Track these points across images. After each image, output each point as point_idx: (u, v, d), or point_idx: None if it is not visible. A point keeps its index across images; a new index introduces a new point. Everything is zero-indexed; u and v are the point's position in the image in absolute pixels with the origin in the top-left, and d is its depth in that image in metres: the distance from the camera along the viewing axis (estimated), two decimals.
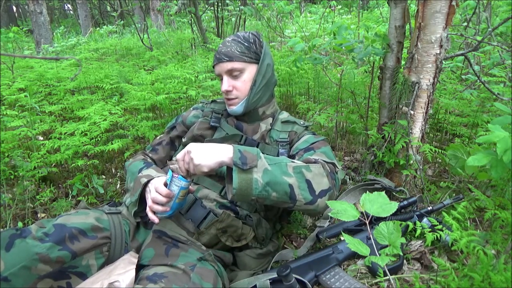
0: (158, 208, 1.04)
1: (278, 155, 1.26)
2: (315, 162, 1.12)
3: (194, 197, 1.19)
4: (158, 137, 1.46)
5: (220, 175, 1.23)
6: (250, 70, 1.23)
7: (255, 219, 1.19)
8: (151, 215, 1.05)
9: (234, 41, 1.22)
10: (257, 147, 1.25)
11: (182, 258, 1.03)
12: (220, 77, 1.26)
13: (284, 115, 1.37)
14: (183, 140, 1.36)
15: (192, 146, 0.99)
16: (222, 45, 1.23)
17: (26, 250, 0.88)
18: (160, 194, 1.03)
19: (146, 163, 1.25)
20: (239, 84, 1.23)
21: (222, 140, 1.25)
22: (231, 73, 1.22)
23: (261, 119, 1.32)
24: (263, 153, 1.20)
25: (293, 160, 1.09)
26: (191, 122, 1.38)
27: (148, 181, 1.12)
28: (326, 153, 1.20)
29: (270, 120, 1.33)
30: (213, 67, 1.27)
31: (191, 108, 1.45)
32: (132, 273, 0.98)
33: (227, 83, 1.22)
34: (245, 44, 1.22)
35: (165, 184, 1.05)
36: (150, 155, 1.39)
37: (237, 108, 1.26)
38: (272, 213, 1.28)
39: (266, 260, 1.24)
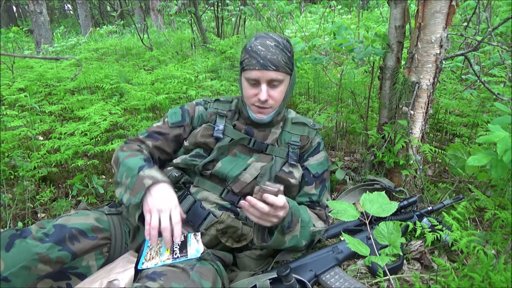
0: (167, 236, 0.97)
1: (287, 156, 1.26)
2: (325, 218, 1.30)
3: (194, 199, 1.19)
4: (155, 125, 1.31)
5: (221, 178, 1.23)
6: (286, 81, 1.19)
7: None
8: (152, 236, 0.97)
9: (278, 48, 1.13)
10: (266, 149, 1.26)
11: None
12: (252, 81, 1.15)
13: (293, 114, 1.36)
14: (185, 143, 1.29)
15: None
16: (266, 50, 1.12)
17: (26, 250, 0.88)
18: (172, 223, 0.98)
19: (146, 161, 1.13)
20: (276, 94, 1.17)
21: (229, 145, 1.24)
22: (271, 82, 1.15)
23: (273, 125, 1.30)
24: (272, 154, 1.26)
25: (314, 222, 1.23)
26: (197, 123, 1.32)
27: (152, 184, 1.03)
28: (329, 187, 1.38)
29: (280, 123, 1.32)
30: (245, 69, 1.15)
31: (194, 103, 1.35)
32: (131, 271, 0.98)
33: (266, 92, 1.14)
34: (288, 54, 1.16)
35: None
36: (148, 142, 1.27)
37: (267, 117, 1.22)
38: None
39: (266, 261, 1.24)
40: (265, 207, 0.95)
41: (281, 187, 0.96)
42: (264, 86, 1.14)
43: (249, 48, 1.14)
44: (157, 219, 0.97)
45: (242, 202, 0.99)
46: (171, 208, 0.99)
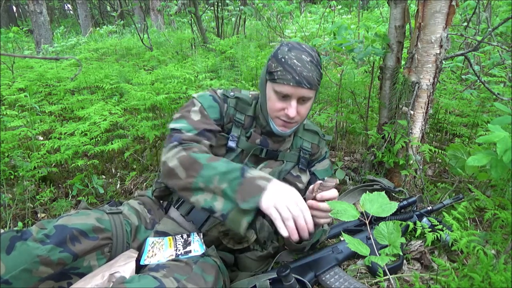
0: (301, 223, 0.89)
1: (298, 160, 1.25)
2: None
3: None
4: (196, 120, 1.15)
5: None
6: (313, 97, 1.14)
7: (258, 223, 1.19)
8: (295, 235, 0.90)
9: (313, 64, 1.07)
10: (278, 156, 1.24)
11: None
12: (281, 94, 1.08)
13: (304, 120, 1.32)
14: None
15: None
16: (302, 66, 1.05)
17: (27, 252, 0.87)
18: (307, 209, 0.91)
19: (242, 165, 1.01)
20: (303, 111, 1.12)
21: (241, 155, 1.21)
22: (301, 99, 1.09)
23: (289, 135, 1.26)
24: (283, 160, 1.25)
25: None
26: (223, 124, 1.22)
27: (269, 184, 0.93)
28: None
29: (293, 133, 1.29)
30: (276, 82, 1.07)
31: (222, 100, 1.21)
32: (133, 264, 0.98)
33: (295, 109, 1.09)
34: (320, 70, 1.10)
35: None
36: (204, 141, 1.12)
37: (289, 131, 1.17)
38: None
39: (266, 262, 1.24)
40: (327, 206, 0.94)
41: (337, 180, 0.97)
42: (294, 103, 1.08)
43: (283, 60, 1.06)
44: (287, 210, 0.88)
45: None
46: (295, 198, 0.91)
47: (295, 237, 0.88)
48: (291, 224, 0.88)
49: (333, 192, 0.97)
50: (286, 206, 0.88)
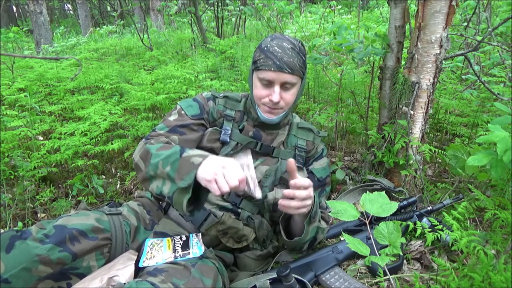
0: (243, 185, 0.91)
1: (294, 158, 1.25)
2: (327, 219, 1.33)
3: None
4: (172, 119, 1.22)
5: None
6: (298, 84, 1.18)
7: (257, 221, 1.19)
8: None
9: (294, 51, 1.12)
10: (273, 151, 1.26)
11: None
12: (265, 81, 1.14)
13: (297, 119, 1.36)
14: None
15: None
16: (283, 52, 1.11)
17: (26, 251, 0.87)
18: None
19: (181, 147, 1.06)
20: (288, 97, 1.17)
21: (236, 148, 1.22)
22: (284, 85, 1.14)
23: (280, 127, 1.30)
24: (278, 157, 1.26)
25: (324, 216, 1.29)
26: (211, 119, 1.27)
27: (202, 160, 0.95)
28: (328, 192, 1.39)
29: (287, 127, 1.32)
30: (259, 69, 1.13)
31: (205, 98, 1.29)
32: (132, 268, 0.98)
33: (278, 94, 1.14)
34: (303, 57, 1.15)
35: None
36: (173, 136, 1.18)
37: (275, 118, 1.21)
38: (278, 214, 1.29)
39: (266, 261, 1.24)
40: (302, 193, 0.98)
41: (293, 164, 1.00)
42: (277, 88, 1.13)
43: (265, 48, 1.13)
44: (223, 178, 0.89)
45: (280, 201, 1.02)
46: (221, 162, 0.92)
47: (217, 192, 0.88)
48: (213, 185, 0.89)
49: (307, 180, 1.00)
50: (213, 171, 0.90)
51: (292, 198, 0.99)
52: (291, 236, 1.16)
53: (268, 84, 1.14)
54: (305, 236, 1.13)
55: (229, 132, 1.24)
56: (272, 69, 1.10)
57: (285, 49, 1.11)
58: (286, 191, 0.99)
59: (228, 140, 1.23)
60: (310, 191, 1.00)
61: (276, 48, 1.11)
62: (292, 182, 0.99)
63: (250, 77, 1.22)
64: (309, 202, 1.01)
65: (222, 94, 1.31)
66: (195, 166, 0.94)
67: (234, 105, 1.29)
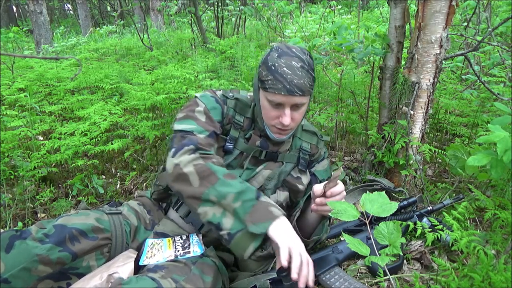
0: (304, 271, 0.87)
1: (298, 161, 1.24)
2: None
3: None
4: (202, 118, 1.13)
5: None
6: (307, 102, 1.11)
7: None
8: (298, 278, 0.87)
9: (304, 70, 1.04)
10: (277, 157, 1.23)
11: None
12: (274, 103, 1.06)
13: (303, 121, 1.32)
14: None
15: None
16: (293, 74, 1.02)
17: (26, 251, 0.87)
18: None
19: (256, 189, 1.01)
20: (297, 116, 1.10)
21: (240, 157, 1.19)
22: (295, 106, 1.07)
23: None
24: (282, 161, 1.24)
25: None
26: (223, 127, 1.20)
27: (281, 215, 0.94)
28: None
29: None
30: (268, 91, 1.05)
31: (222, 102, 1.19)
32: (131, 265, 0.98)
33: (289, 117, 1.07)
34: (312, 75, 1.07)
35: None
36: (215, 144, 1.12)
37: (286, 137, 1.17)
38: None
39: (267, 262, 1.24)
40: (334, 199, 0.99)
41: (341, 169, 1.03)
42: (287, 111, 1.06)
43: (273, 68, 1.03)
44: (299, 255, 0.88)
45: (313, 206, 1.04)
46: (302, 245, 0.92)
47: (284, 262, 0.86)
48: (304, 272, 0.87)
49: (341, 186, 1.01)
50: (298, 250, 0.88)
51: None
52: (304, 235, 1.16)
53: (278, 105, 1.07)
54: (322, 234, 1.16)
55: (234, 141, 1.19)
56: (283, 93, 1.02)
57: (294, 70, 1.02)
58: (318, 201, 1.02)
59: (232, 149, 1.18)
60: (343, 195, 1.02)
61: (285, 69, 1.02)
62: (328, 192, 1.00)
63: (256, 92, 1.13)
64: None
65: (232, 95, 1.21)
66: (273, 217, 0.91)
67: (244, 110, 1.21)
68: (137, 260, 1.02)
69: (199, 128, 1.10)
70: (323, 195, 1.01)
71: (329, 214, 0.91)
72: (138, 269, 1.00)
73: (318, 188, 1.02)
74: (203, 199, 0.96)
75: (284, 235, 0.90)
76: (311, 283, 0.88)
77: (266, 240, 0.93)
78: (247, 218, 0.91)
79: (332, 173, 1.04)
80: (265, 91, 1.07)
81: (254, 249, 0.90)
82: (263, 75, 1.06)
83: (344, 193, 1.03)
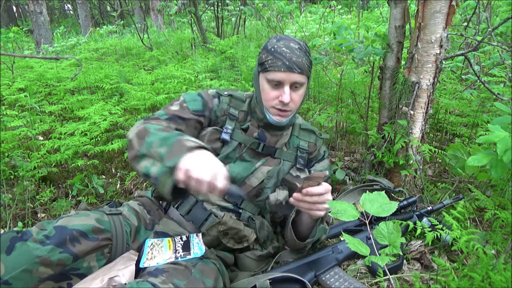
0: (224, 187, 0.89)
1: (295, 160, 1.26)
2: (328, 219, 1.37)
3: (195, 199, 1.19)
4: (173, 109, 1.20)
5: None
6: (305, 85, 1.17)
7: (257, 222, 1.19)
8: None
9: (301, 51, 1.11)
10: (275, 152, 1.25)
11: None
12: (274, 82, 1.11)
13: (300, 120, 1.35)
14: None
15: None
16: (291, 52, 1.09)
17: (27, 253, 0.87)
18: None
19: (180, 132, 1.06)
20: (297, 98, 1.15)
21: (238, 149, 1.22)
22: (293, 85, 1.12)
23: (285, 129, 1.28)
24: (280, 158, 1.25)
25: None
26: (214, 117, 1.25)
27: (198, 148, 0.94)
28: None
29: (290, 128, 1.31)
30: (268, 70, 1.11)
31: (211, 95, 1.26)
32: (132, 268, 0.98)
33: (289, 95, 1.11)
34: (309, 57, 1.14)
35: None
36: (171, 124, 1.15)
37: (285, 120, 1.19)
38: (278, 215, 1.28)
39: (266, 261, 1.24)
40: (313, 199, 0.99)
41: (326, 172, 0.99)
42: (287, 88, 1.11)
43: (272, 49, 1.11)
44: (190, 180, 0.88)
45: (291, 199, 1.04)
46: (217, 173, 0.90)
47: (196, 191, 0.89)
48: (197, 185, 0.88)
49: (320, 188, 0.99)
50: (199, 175, 0.87)
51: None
52: (299, 237, 1.17)
53: (278, 84, 1.12)
54: (316, 236, 1.16)
55: (231, 131, 1.22)
56: (282, 69, 1.08)
57: (293, 49, 1.10)
58: (296, 195, 1.02)
59: (229, 139, 1.21)
60: (327, 197, 1.01)
61: (284, 48, 1.10)
62: (304, 190, 0.99)
63: (256, 80, 1.19)
64: (325, 206, 1.01)
65: (226, 92, 1.28)
66: (186, 148, 0.92)
67: (238, 105, 1.27)
68: (137, 261, 1.02)
69: (161, 112, 1.19)
70: (300, 191, 1.01)
71: (329, 214, 0.90)
72: (139, 270, 1.00)
73: (300, 182, 1.04)
74: (139, 155, 1.00)
75: (194, 165, 0.88)
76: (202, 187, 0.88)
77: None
78: (167, 157, 0.93)
79: (313, 172, 1.01)
80: (265, 72, 1.13)
81: (171, 185, 0.91)
82: (263, 58, 1.13)
83: (327, 197, 1.00)
